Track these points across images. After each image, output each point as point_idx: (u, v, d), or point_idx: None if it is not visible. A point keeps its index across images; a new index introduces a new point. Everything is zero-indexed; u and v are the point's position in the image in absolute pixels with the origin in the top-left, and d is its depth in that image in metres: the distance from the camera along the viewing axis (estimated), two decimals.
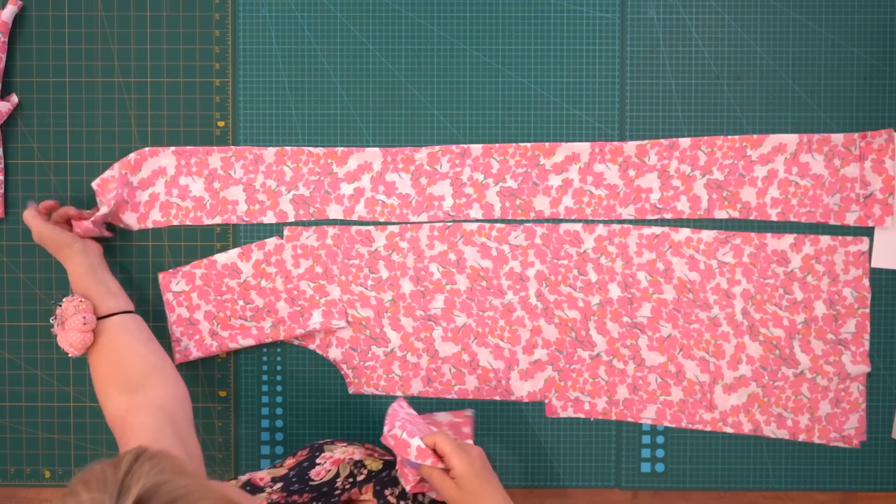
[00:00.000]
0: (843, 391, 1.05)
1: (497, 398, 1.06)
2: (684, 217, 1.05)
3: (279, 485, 0.88)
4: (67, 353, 0.92)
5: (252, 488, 0.88)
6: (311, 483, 0.88)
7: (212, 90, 1.06)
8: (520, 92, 1.05)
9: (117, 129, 1.06)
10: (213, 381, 1.07)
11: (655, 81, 1.05)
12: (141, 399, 0.87)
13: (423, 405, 1.06)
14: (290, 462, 0.94)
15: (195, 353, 1.06)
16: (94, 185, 1.04)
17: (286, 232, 1.06)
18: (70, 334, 0.91)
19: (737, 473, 1.07)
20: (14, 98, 1.05)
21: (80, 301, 0.92)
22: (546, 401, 1.06)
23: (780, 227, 1.05)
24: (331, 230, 1.06)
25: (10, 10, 1.03)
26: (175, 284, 1.06)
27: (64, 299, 0.92)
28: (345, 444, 0.96)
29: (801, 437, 1.06)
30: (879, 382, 1.06)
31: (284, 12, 1.05)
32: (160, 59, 1.06)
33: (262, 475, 0.90)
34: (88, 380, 1.06)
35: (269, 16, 1.06)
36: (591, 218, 1.05)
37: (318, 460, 0.91)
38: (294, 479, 0.89)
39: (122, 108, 1.06)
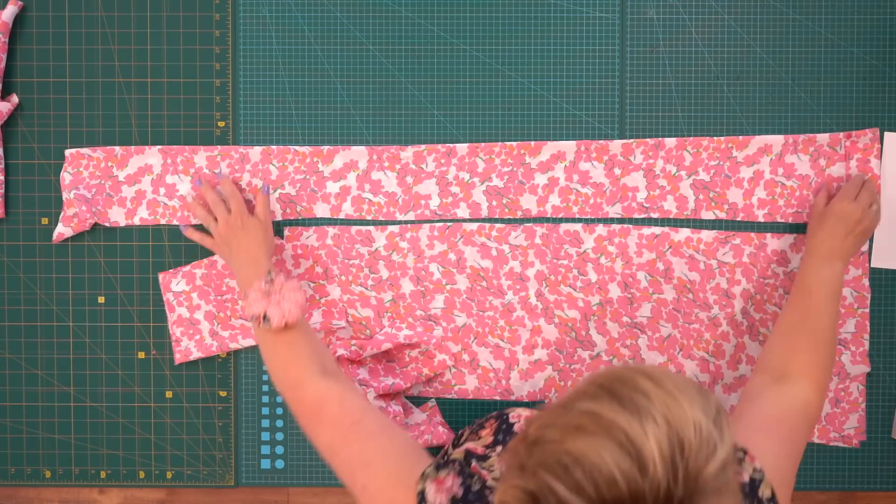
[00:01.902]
0: (843, 391, 1.05)
1: (497, 398, 1.06)
2: (671, 217, 1.05)
3: (499, 447, 0.83)
4: (272, 321, 0.88)
5: (477, 458, 0.82)
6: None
7: (212, 90, 1.06)
8: (520, 92, 1.06)
9: (117, 129, 1.06)
10: (213, 381, 1.07)
11: (655, 81, 1.06)
12: (347, 386, 0.88)
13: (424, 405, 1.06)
14: (486, 432, 0.87)
15: (195, 353, 1.06)
16: (67, 152, 1.05)
17: (286, 232, 1.06)
18: (294, 295, 0.90)
19: None
20: (14, 98, 1.05)
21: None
22: (546, 401, 1.06)
23: (781, 227, 1.05)
24: (331, 230, 1.06)
25: (10, 11, 1.03)
26: (175, 284, 1.06)
27: (274, 274, 0.92)
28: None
29: None
30: (879, 382, 1.06)
31: (284, 12, 1.05)
32: (160, 59, 1.06)
33: (476, 448, 0.83)
34: (88, 380, 1.06)
35: (269, 16, 1.06)
36: (578, 216, 1.05)
37: (511, 418, 0.86)
38: (503, 439, 0.83)
39: (122, 108, 1.06)
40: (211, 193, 1.02)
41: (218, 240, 1.00)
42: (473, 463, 0.77)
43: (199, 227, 1.04)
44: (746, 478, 0.75)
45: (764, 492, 0.74)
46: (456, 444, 0.82)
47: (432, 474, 0.75)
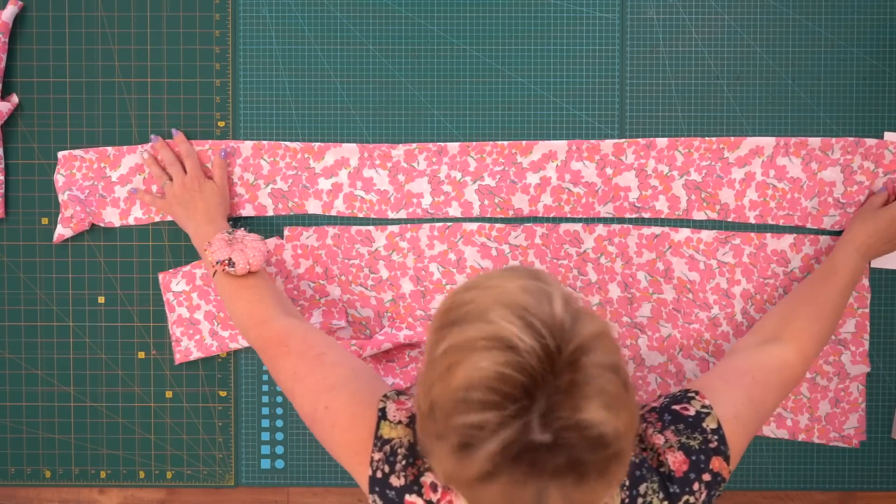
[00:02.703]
0: (843, 391, 1.05)
1: None
2: (663, 216, 1.05)
3: None
4: (236, 265, 0.92)
5: None
6: None
7: (212, 90, 1.06)
8: (520, 92, 1.06)
9: (117, 129, 1.06)
10: (213, 381, 1.07)
11: (655, 81, 1.05)
12: (309, 325, 0.92)
13: None
14: None
15: (195, 353, 1.06)
16: (60, 154, 1.05)
17: (286, 232, 1.06)
18: (256, 244, 0.94)
19: (737, 473, 1.07)
20: (14, 98, 1.05)
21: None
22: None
23: (780, 227, 1.05)
24: (331, 230, 1.06)
25: (10, 11, 1.03)
26: (175, 284, 1.06)
27: (232, 229, 0.97)
28: None
29: (801, 437, 1.06)
30: (879, 382, 1.06)
31: (284, 12, 1.05)
32: (160, 59, 1.06)
33: None
34: (88, 380, 1.06)
35: (269, 16, 1.06)
36: (570, 216, 1.05)
37: None
38: None
39: (122, 108, 1.06)
40: (166, 152, 1.03)
41: (172, 199, 1.01)
42: None
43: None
44: (693, 411, 0.79)
45: (709, 424, 0.78)
46: None
47: (393, 396, 0.80)
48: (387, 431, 0.76)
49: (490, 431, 0.58)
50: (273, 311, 0.91)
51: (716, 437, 0.77)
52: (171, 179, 1.02)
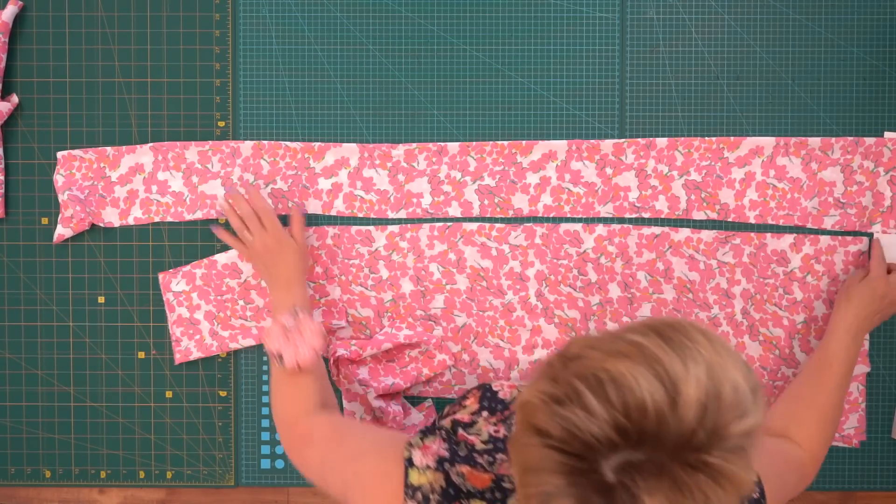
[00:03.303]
0: None
1: None
2: (662, 216, 1.05)
3: (485, 413, 0.86)
4: (285, 362, 0.89)
5: (463, 426, 0.87)
6: (505, 401, 0.88)
7: (212, 90, 1.06)
8: (520, 92, 1.06)
9: (118, 129, 1.06)
10: (213, 381, 1.07)
11: (655, 81, 1.05)
12: (335, 412, 0.93)
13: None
14: (471, 402, 0.91)
15: (195, 353, 1.06)
16: (60, 154, 1.05)
17: None
18: (313, 339, 0.91)
19: None
20: (14, 98, 1.05)
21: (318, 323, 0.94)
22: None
23: (780, 227, 1.05)
24: (331, 230, 1.06)
25: (10, 11, 1.03)
26: (175, 284, 1.06)
27: (300, 311, 0.92)
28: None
29: None
30: (879, 382, 1.06)
31: (284, 12, 1.05)
32: (160, 59, 1.06)
33: (462, 416, 0.87)
34: (88, 380, 1.06)
35: (269, 16, 1.06)
36: (570, 215, 1.05)
37: (494, 387, 0.90)
38: (488, 405, 0.87)
39: (122, 108, 1.06)
40: (244, 206, 0.99)
41: (253, 254, 0.99)
42: (460, 431, 0.81)
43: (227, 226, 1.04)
44: None
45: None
46: (441, 418, 0.86)
47: (418, 442, 0.77)
48: (416, 478, 0.74)
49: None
50: (304, 411, 0.90)
51: (758, 489, 0.76)
52: (249, 231, 0.98)
